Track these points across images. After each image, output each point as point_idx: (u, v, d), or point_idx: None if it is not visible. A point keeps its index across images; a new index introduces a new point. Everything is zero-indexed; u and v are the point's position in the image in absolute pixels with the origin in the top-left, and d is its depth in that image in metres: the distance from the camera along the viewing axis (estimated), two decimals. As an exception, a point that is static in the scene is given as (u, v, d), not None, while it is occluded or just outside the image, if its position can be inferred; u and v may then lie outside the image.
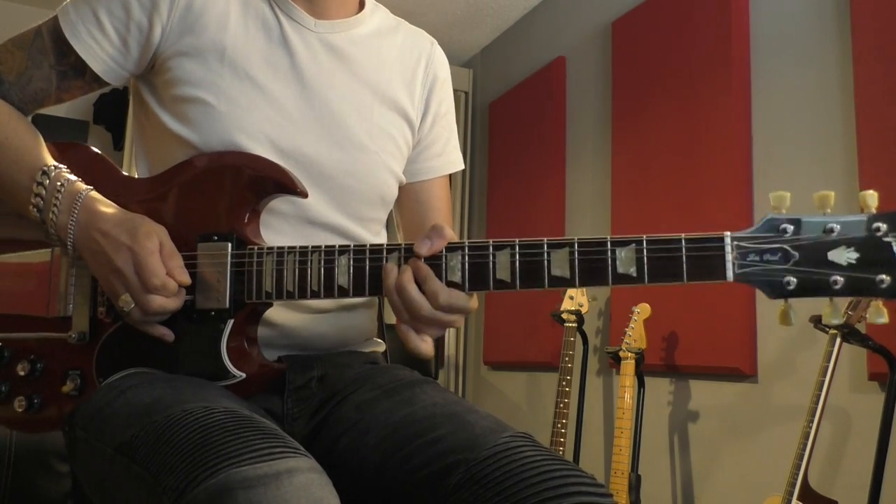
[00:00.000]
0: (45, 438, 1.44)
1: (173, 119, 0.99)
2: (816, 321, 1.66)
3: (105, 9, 0.98)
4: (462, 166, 1.22)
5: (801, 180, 1.97)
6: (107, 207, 0.92)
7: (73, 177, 0.94)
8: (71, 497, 1.45)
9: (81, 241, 0.91)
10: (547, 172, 3.07)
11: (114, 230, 0.89)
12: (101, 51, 0.99)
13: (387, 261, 0.86)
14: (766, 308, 2.04)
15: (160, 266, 0.87)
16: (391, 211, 1.17)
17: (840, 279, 0.71)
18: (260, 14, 1.03)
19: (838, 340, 1.61)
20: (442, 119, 1.18)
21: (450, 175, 1.21)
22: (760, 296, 2.07)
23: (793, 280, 0.72)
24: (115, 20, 0.98)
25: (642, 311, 2.21)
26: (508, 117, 3.47)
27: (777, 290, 0.73)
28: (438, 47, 1.20)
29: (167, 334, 0.92)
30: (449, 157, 1.20)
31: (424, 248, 0.84)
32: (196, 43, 0.99)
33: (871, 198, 0.72)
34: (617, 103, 2.69)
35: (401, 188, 1.16)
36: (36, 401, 0.98)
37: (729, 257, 0.74)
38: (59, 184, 0.92)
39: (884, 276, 0.69)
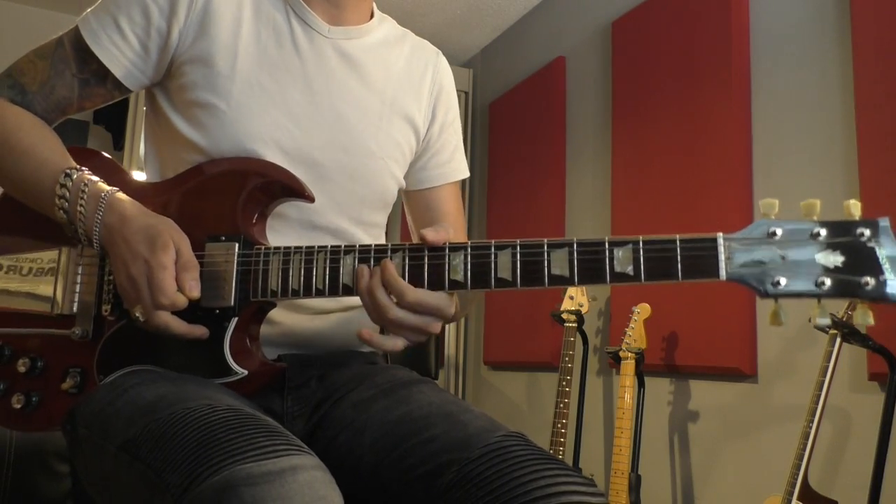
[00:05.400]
0: (46, 438, 1.44)
1: (185, 123, 1.01)
2: (816, 321, 1.66)
3: (125, 16, 1.00)
4: (468, 174, 1.24)
5: (802, 180, 1.97)
6: (132, 209, 0.92)
7: (95, 177, 0.95)
8: (71, 497, 1.45)
9: (107, 243, 0.92)
10: (547, 172, 3.07)
11: (134, 237, 0.89)
12: (122, 57, 1.01)
13: (391, 258, 0.87)
14: (766, 308, 2.03)
15: (171, 283, 0.87)
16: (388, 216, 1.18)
17: (827, 281, 0.74)
18: (272, 19, 1.04)
19: (838, 340, 1.61)
20: (449, 127, 1.20)
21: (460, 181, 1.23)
22: (760, 296, 2.08)
23: (782, 280, 0.75)
24: (136, 26, 1.00)
25: (642, 311, 2.22)
26: (508, 117, 3.47)
27: (767, 290, 0.76)
28: (443, 57, 1.22)
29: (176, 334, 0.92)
30: (457, 164, 1.22)
31: (430, 235, 0.85)
32: (208, 48, 1.00)
33: (855, 207, 0.76)
34: (617, 103, 2.69)
35: (411, 195, 1.18)
36: (34, 398, 0.99)
37: (721, 257, 0.77)
38: (82, 184, 0.93)
39: (868, 279, 0.73)
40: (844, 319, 1.60)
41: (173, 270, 0.87)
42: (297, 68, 1.03)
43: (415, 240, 1.19)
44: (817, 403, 1.61)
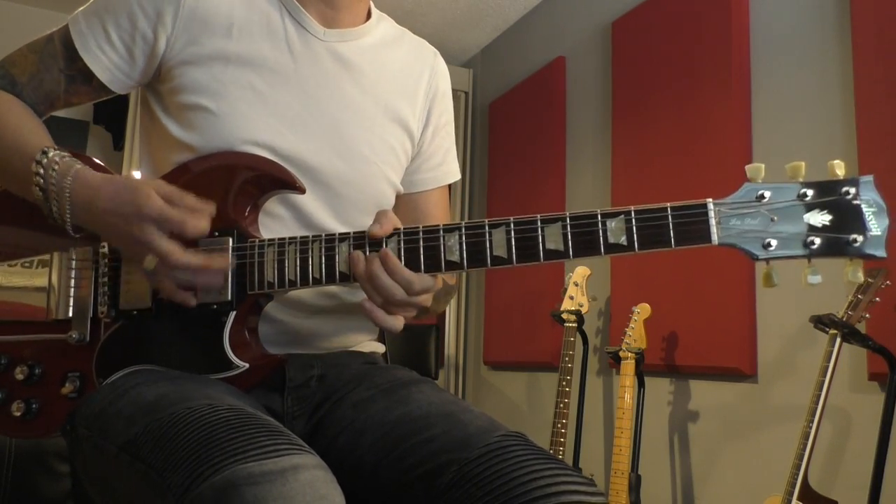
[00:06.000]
0: (45, 439, 1.44)
1: (177, 126, 1.00)
2: (816, 321, 1.66)
3: (113, 20, 1.00)
4: (458, 176, 1.24)
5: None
6: (98, 179, 0.91)
7: (67, 155, 0.94)
8: (71, 497, 1.45)
9: (86, 215, 0.91)
10: (547, 172, 3.07)
11: (114, 201, 0.88)
12: (107, 61, 1.01)
13: (386, 245, 0.87)
14: (766, 308, 2.04)
15: (179, 214, 0.87)
16: None
17: (817, 240, 0.76)
18: (266, 20, 1.03)
19: (838, 340, 1.61)
20: (442, 130, 1.19)
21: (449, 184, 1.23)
22: (760, 296, 2.08)
23: (773, 241, 0.77)
24: (122, 32, 1.00)
25: (642, 311, 2.21)
26: (508, 117, 3.47)
27: (759, 252, 0.77)
28: (441, 59, 1.21)
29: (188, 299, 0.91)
30: (448, 167, 1.21)
31: (376, 229, 0.87)
32: (200, 51, 1.00)
33: (839, 167, 0.78)
34: (617, 103, 2.69)
35: (400, 198, 1.17)
36: (34, 405, 0.98)
37: (713, 222, 0.78)
38: (55, 161, 0.92)
39: (856, 236, 0.75)
40: (844, 319, 1.60)
41: (170, 207, 0.87)
42: (291, 71, 1.02)
43: None
44: (817, 403, 1.61)
